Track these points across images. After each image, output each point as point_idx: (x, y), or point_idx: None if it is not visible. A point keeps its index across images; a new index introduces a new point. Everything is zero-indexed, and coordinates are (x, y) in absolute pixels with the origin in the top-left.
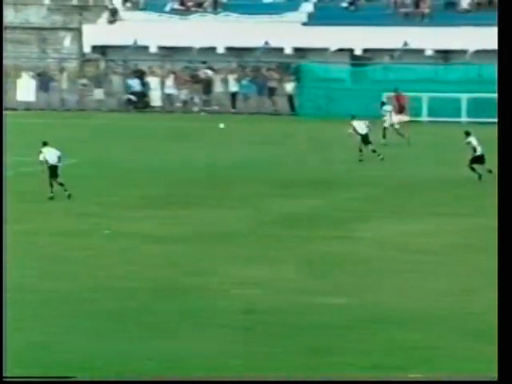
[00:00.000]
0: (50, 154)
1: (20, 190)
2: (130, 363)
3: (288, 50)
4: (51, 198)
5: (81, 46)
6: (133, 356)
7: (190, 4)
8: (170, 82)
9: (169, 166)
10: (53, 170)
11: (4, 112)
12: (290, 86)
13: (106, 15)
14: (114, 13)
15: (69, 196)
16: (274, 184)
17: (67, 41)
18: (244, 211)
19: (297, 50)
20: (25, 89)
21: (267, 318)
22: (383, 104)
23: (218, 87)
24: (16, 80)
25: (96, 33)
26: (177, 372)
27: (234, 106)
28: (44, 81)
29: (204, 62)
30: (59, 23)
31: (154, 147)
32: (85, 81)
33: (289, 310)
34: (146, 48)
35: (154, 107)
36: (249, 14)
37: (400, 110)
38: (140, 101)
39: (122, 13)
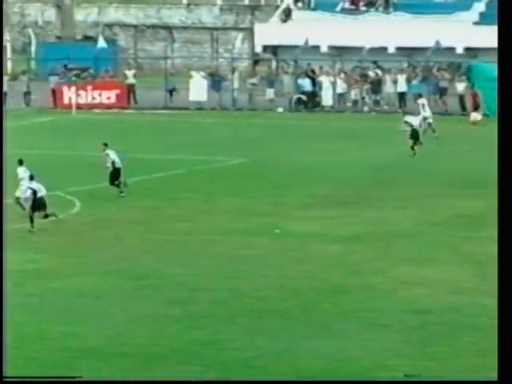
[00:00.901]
0: (116, 156)
1: (189, 188)
2: (297, 362)
3: (459, 50)
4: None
5: (252, 46)
6: (299, 355)
7: (361, 3)
8: (340, 81)
9: (336, 165)
10: (118, 172)
11: (171, 111)
12: (461, 86)
13: (277, 15)
14: (285, 12)
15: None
16: (439, 184)
17: (239, 40)
18: (410, 212)
19: (468, 49)
20: (197, 88)
21: (435, 319)
22: None
23: (388, 87)
24: (188, 80)
25: (267, 32)
26: (343, 372)
27: (401, 106)
28: (216, 80)
29: (374, 62)
30: (231, 23)
31: (322, 147)
32: (255, 80)
33: (456, 310)
34: (316, 48)
35: (324, 107)
36: (420, 13)
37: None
38: (310, 100)
39: (294, 12)
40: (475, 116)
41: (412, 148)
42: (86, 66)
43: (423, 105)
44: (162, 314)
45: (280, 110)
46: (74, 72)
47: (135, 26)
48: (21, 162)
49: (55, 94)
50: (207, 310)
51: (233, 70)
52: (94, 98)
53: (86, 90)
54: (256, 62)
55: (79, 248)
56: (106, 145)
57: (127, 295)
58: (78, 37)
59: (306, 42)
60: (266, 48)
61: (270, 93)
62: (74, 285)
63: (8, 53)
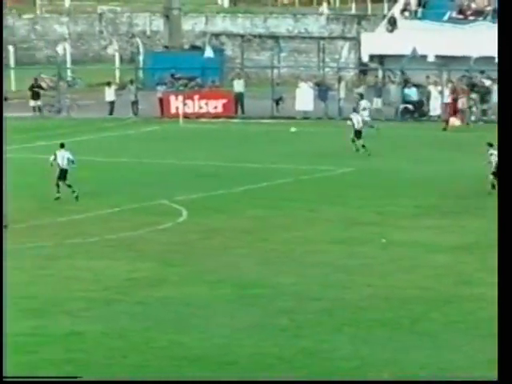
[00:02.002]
0: (63, 157)
1: (295, 198)
2: (403, 371)
3: None
4: (57, 199)
5: (358, 55)
6: (405, 365)
7: (469, 13)
8: (447, 91)
9: (442, 175)
10: (62, 173)
11: (277, 121)
12: None
13: (383, 24)
14: (392, 22)
15: (76, 198)
16: None
17: (345, 50)
18: None
19: None
20: (303, 98)
21: None
22: None
23: (495, 97)
24: (295, 89)
25: (374, 42)
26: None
27: None
28: (322, 90)
29: (482, 72)
30: (337, 32)
31: (428, 156)
32: (362, 90)
33: None
34: (423, 57)
35: (431, 116)
36: None
37: None
38: (417, 110)
39: (400, 22)
40: None
41: None
42: (194, 76)
43: None
44: (268, 323)
45: (293, 129)
46: (182, 81)
47: (242, 36)
48: (62, 145)
49: (162, 103)
50: (313, 320)
51: (339, 80)
52: (200, 108)
53: (192, 100)
54: (362, 72)
55: (186, 257)
56: (62, 146)
57: (234, 304)
58: (186, 46)
59: (413, 52)
60: (372, 57)
61: (377, 102)
62: (181, 294)
63: (116, 62)
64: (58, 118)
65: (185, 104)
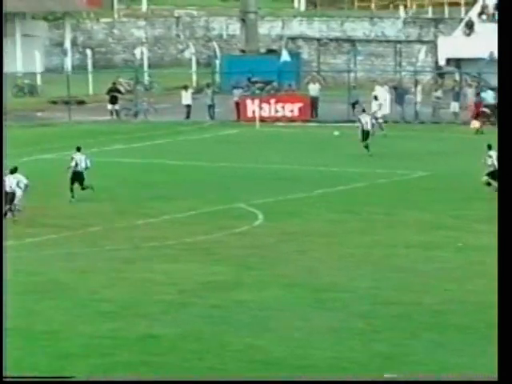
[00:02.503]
0: (80, 160)
1: (372, 202)
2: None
3: None
4: (71, 201)
5: (435, 59)
6: (481, 369)
7: None
8: None
9: None
10: (78, 176)
11: (353, 124)
12: None
13: (461, 28)
14: (469, 25)
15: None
16: None
17: (422, 53)
18: None
19: None
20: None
21: None
22: None
23: None
24: (371, 93)
25: (451, 45)
26: None
27: None
28: (399, 93)
29: None
30: (414, 36)
31: None
32: (439, 93)
33: None
34: None
35: None
36: None
37: None
38: (494, 113)
39: (477, 25)
40: None
41: None
42: (270, 80)
43: None
44: (345, 327)
45: (336, 133)
46: (258, 85)
47: (319, 40)
48: (78, 149)
49: (239, 107)
50: (389, 324)
51: (416, 83)
52: (277, 111)
53: (269, 103)
54: (439, 75)
55: (262, 260)
56: (78, 149)
57: (310, 308)
58: (262, 50)
59: (491, 55)
60: (448, 61)
61: (455, 106)
62: (257, 297)
63: (193, 66)
64: (134, 122)
65: (261, 108)
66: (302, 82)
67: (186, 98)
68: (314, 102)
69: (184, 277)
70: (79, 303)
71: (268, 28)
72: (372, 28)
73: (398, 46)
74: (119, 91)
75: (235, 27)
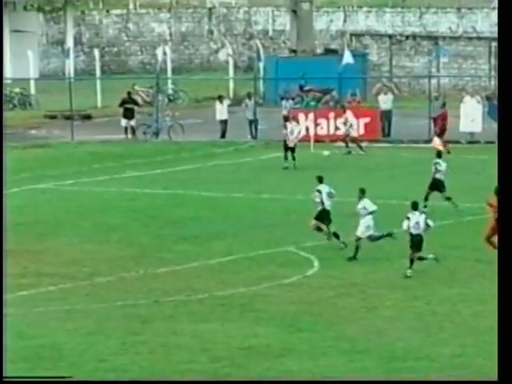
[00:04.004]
0: (326, 194)
1: (455, 243)
2: None
3: None
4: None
5: None
6: None
7: None
8: None
9: None
10: (324, 214)
11: (407, 144)
12: None
13: None
14: None
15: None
16: None
17: None
18: None
19: None
20: (470, 116)
21: None
22: None
23: None
24: (458, 105)
25: None
26: None
27: None
28: (494, 106)
29: None
30: None
31: None
32: None
33: None
34: None
35: None
36: None
37: None
38: None
39: None
40: None
41: None
42: (328, 88)
43: None
44: None
45: (326, 152)
46: (313, 95)
47: (390, 36)
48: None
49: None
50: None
51: None
52: (337, 129)
53: (327, 118)
54: None
55: (317, 320)
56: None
57: (380, 381)
58: (318, 50)
59: None
60: None
61: None
62: (311, 367)
63: (230, 71)
64: (155, 142)
65: (317, 124)
66: (369, 90)
67: (221, 111)
68: (385, 117)
69: (218, 341)
70: (83, 375)
71: (326, 22)
72: (459, 21)
73: (494, 44)
74: (136, 103)
75: (284, 21)
